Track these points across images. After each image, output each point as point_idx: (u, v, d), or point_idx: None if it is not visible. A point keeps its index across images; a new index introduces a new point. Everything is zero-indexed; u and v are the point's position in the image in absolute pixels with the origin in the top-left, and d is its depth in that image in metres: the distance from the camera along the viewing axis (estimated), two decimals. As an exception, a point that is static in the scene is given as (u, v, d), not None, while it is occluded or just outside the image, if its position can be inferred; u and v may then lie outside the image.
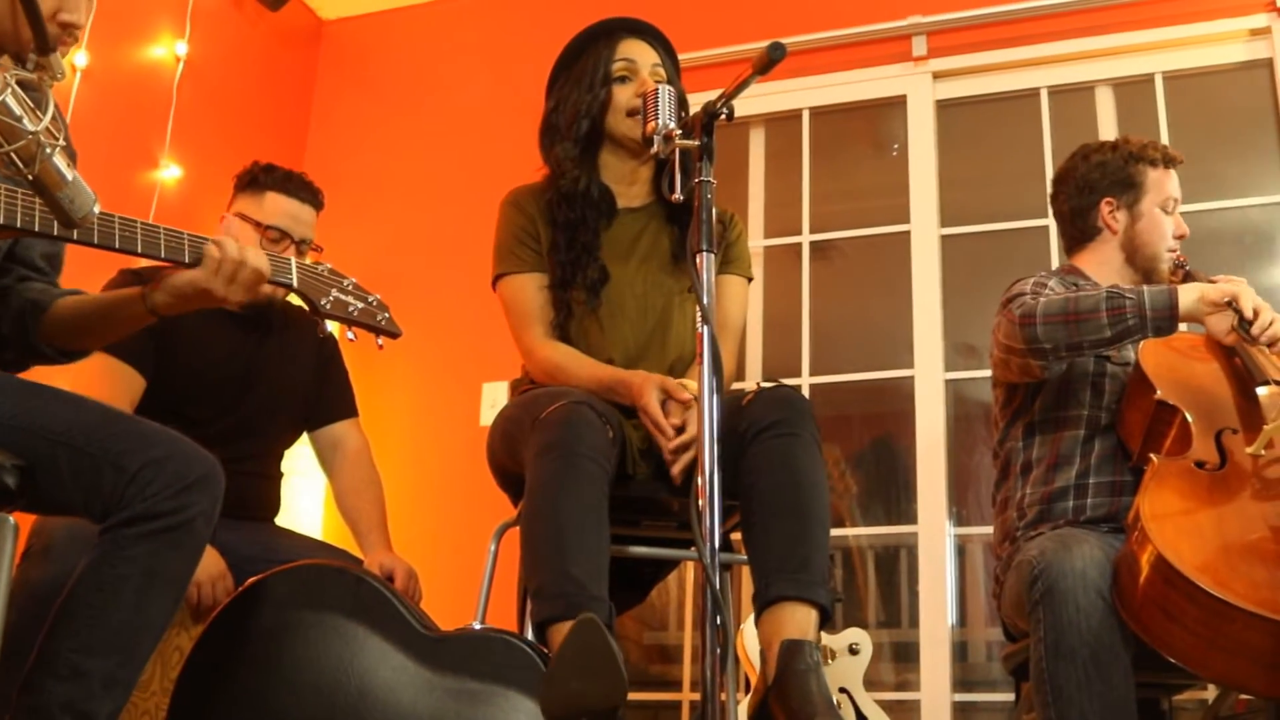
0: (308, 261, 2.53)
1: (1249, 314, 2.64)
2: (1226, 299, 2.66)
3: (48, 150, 1.65)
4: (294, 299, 2.64)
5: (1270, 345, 2.65)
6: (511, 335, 2.98)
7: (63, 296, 2.40)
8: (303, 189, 3.27)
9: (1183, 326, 3.62)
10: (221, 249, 2.29)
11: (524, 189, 3.06)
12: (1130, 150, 3.10)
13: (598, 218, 2.96)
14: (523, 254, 2.97)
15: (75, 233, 2.10)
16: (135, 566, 2.08)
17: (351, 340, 2.62)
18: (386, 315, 2.63)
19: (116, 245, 2.15)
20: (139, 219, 2.20)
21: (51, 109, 1.66)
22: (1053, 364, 2.83)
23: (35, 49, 1.75)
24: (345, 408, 3.42)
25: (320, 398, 3.37)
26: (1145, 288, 2.72)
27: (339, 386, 3.44)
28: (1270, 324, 2.64)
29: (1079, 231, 3.15)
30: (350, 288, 2.57)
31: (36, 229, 2.08)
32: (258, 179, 3.26)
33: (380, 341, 2.63)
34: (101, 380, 2.91)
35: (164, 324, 2.88)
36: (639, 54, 3.01)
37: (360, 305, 2.57)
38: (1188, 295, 2.68)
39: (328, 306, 2.51)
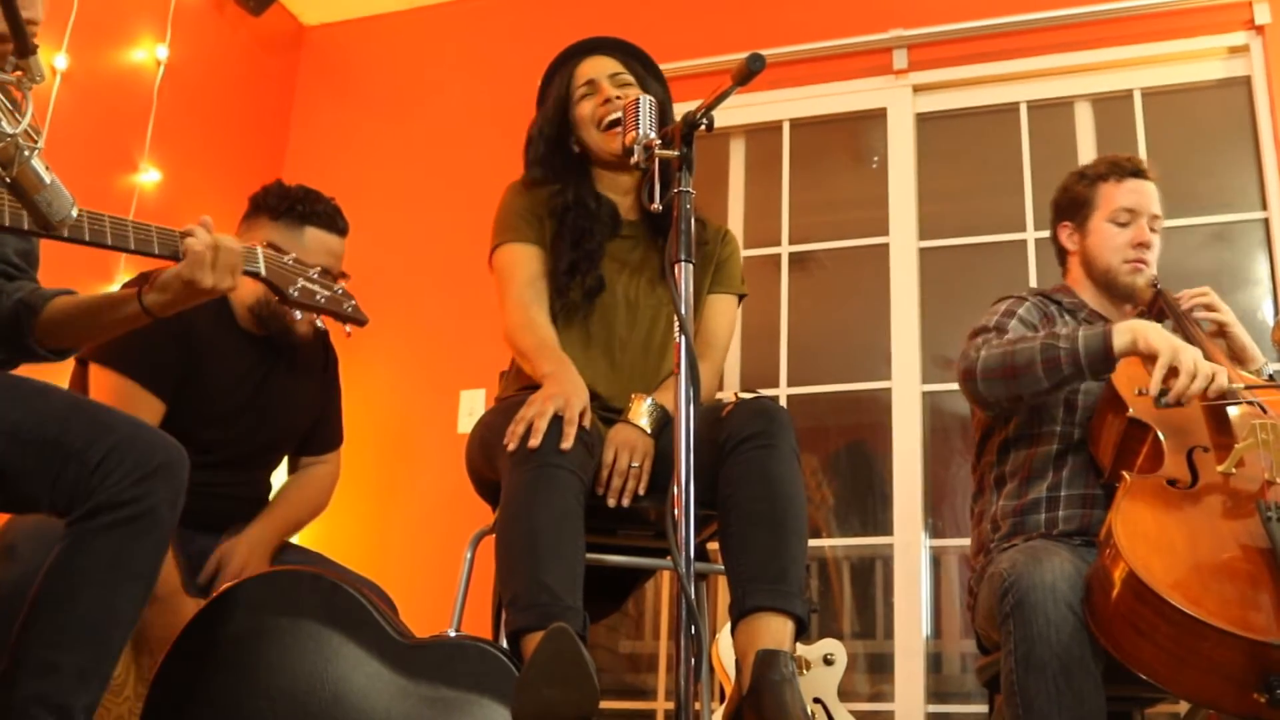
0: (273, 251, 2.54)
1: (1157, 382, 2.58)
2: (1154, 354, 2.62)
3: (26, 153, 1.64)
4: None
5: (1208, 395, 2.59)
6: (499, 303, 2.97)
7: (55, 297, 2.39)
8: (339, 220, 3.16)
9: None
10: (201, 240, 2.29)
11: (531, 180, 3.09)
12: (1084, 171, 3.14)
13: (604, 229, 2.98)
14: (520, 226, 3.00)
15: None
16: (100, 559, 2.07)
17: (320, 328, 2.61)
18: (352, 303, 2.64)
19: (86, 238, 2.15)
20: (107, 214, 2.20)
21: (30, 111, 1.65)
22: (1002, 413, 2.91)
23: (14, 51, 1.74)
24: (334, 442, 3.39)
25: (315, 432, 3.32)
26: (1081, 333, 2.71)
27: (333, 422, 3.39)
28: (1188, 386, 2.56)
29: (1057, 256, 3.21)
30: (315, 276, 2.58)
31: (7, 223, 2.08)
32: (295, 209, 3.08)
33: (348, 329, 2.64)
34: (120, 406, 2.80)
35: (188, 350, 2.87)
36: (595, 69, 3.06)
37: (326, 294, 2.59)
38: (1121, 339, 2.66)
39: (295, 294, 2.52)
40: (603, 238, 2.99)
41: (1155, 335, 2.64)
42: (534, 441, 2.48)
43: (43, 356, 2.42)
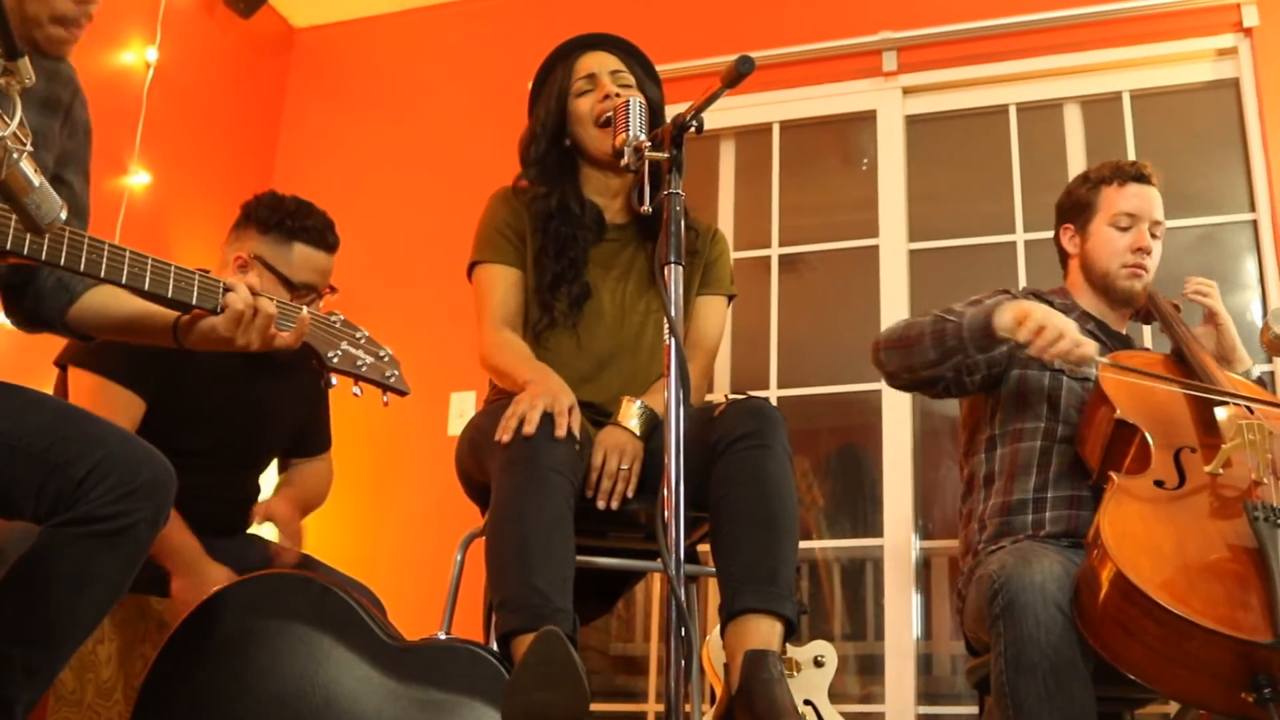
0: (320, 312, 2.51)
1: (1023, 337, 2.64)
2: (1020, 318, 2.66)
3: (14, 155, 1.64)
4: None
5: (1067, 360, 2.65)
6: (475, 324, 2.99)
7: (96, 285, 2.35)
8: (329, 236, 3.10)
9: (1148, 342, 3.67)
10: (243, 301, 2.27)
11: (516, 189, 3.09)
12: (1089, 174, 3.14)
13: (588, 235, 2.98)
14: (499, 245, 2.99)
15: (83, 264, 2.08)
16: (71, 565, 2.06)
17: (357, 395, 2.58)
18: (396, 373, 2.59)
19: (123, 280, 2.14)
20: (150, 255, 2.18)
21: (19, 114, 1.65)
22: (906, 386, 2.94)
23: (2, 54, 1.74)
24: (322, 444, 3.39)
25: (305, 434, 3.32)
26: (970, 309, 2.77)
27: (322, 423, 3.38)
28: (1052, 342, 2.62)
29: (1059, 258, 3.20)
30: (362, 341, 2.54)
31: (43, 258, 2.06)
32: (285, 224, 3.03)
33: (386, 398, 2.61)
34: (100, 406, 2.76)
35: (171, 350, 2.86)
36: (597, 64, 3.04)
37: (369, 361, 2.53)
38: (1002, 314, 2.70)
39: (335, 360, 2.47)
40: (586, 244, 2.98)
41: (1035, 307, 2.69)
42: (529, 429, 2.47)
43: (64, 333, 2.41)
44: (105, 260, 2.11)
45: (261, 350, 2.36)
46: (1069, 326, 2.64)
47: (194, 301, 2.23)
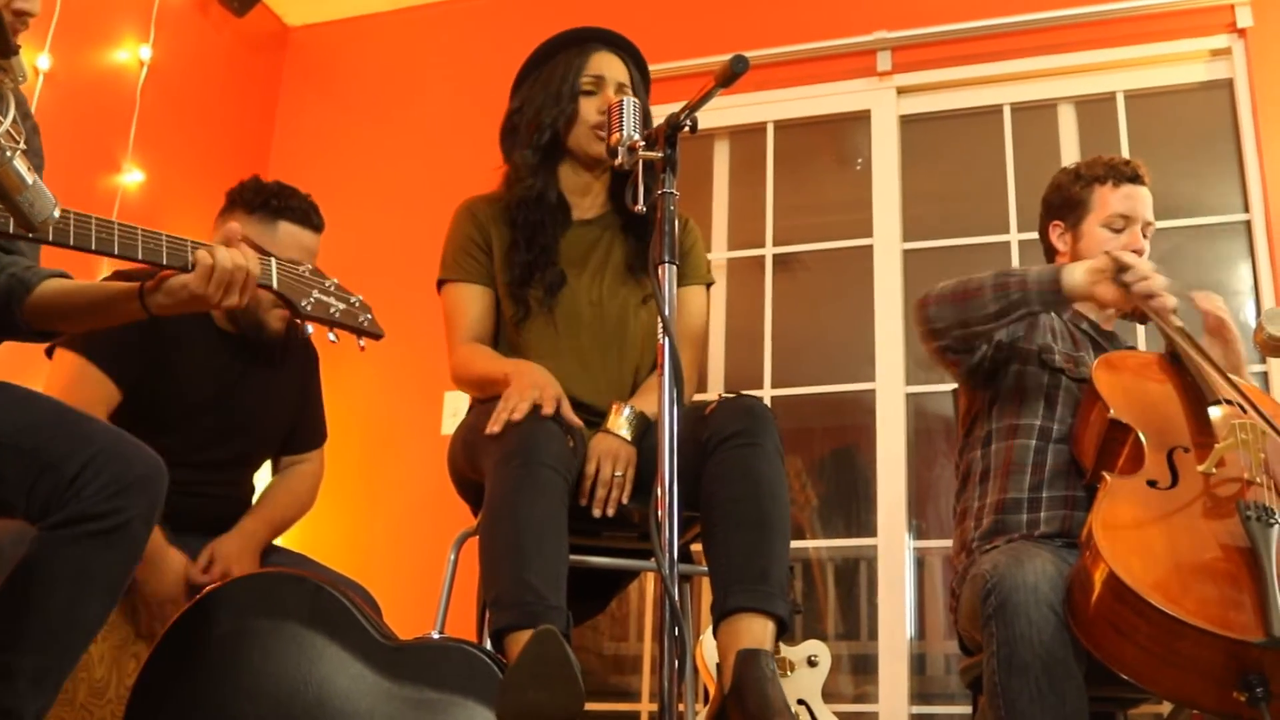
0: (288, 263, 2.52)
1: (1127, 261, 2.65)
2: (1108, 264, 2.67)
3: (8, 154, 1.64)
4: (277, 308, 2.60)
5: (1148, 299, 2.66)
6: (446, 343, 3.03)
7: (49, 278, 2.35)
8: (313, 216, 3.12)
9: (1141, 343, 3.67)
10: (213, 256, 2.28)
11: (480, 198, 3.09)
12: (1079, 170, 3.13)
13: (555, 223, 2.98)
14: (465, 263, 3.00)
15: (51, 233, 2.08)
16: (68, 567, 2.05)
17: (333, 342, 2.59)
18: (369, 316, 2.60)
19: (93, 246, 2.14)
20: (116, 220, 2.19)
21: (12, 112, 1.65)
22: (949, 345, 2.86)
23: (-2, 52, 1.74)
24: (316, 439, 3.38)
25: (296, 431, 3.31)
26: (1036, 266, 2.77)
27: (314, 419, 3.38)
28: (1147, 276, 2.65)
29: (1044, 254, 3.20)
30: (332, 289, 2.55)
31: (11, 231, 2.06)
32: (270, 204, 3.07)
33: (362, 343, 2.61)
34: (74, 385, 2.81)
35: (156, 341, 2.85)
36: (609, 68, 3.03)
37: (342, 307, 2.55)
38: (1073, 270, 2.70)
39: (308, 308, 2.48)
40: (556, 231, 2.99)
41: (1118, 253, 2.72)
42: (516, 415, 2.51)
43: (27, 335, 2.40)
44: (72, 229, 2.11)
45: (238, 307, 2.38)
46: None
47: (164, 261, 2.24)
